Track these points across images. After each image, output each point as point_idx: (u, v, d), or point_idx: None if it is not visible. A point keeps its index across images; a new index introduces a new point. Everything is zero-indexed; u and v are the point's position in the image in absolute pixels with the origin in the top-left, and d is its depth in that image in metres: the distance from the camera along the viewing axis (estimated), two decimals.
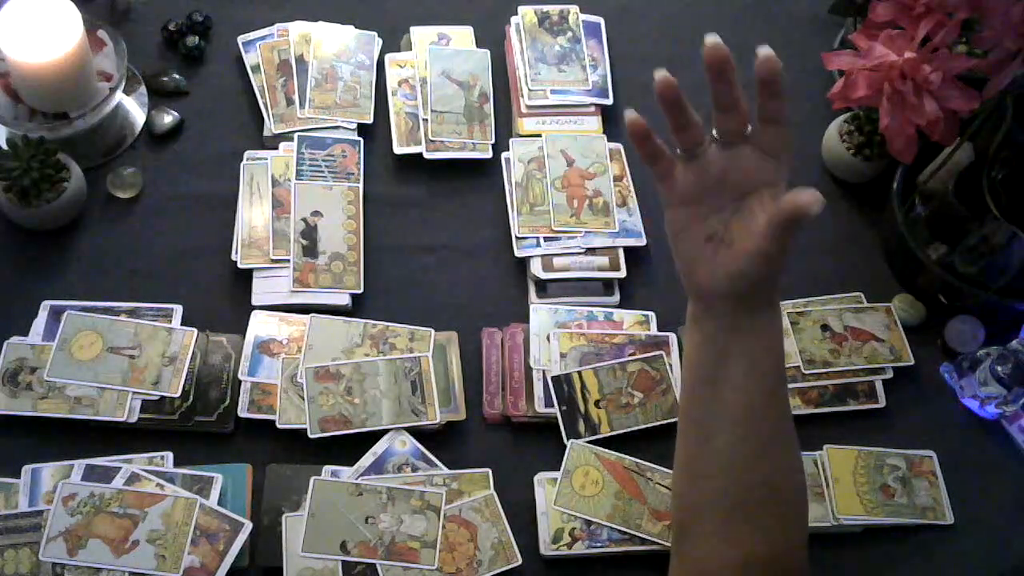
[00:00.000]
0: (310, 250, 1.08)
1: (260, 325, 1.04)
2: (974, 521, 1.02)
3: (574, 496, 0.98)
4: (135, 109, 1.17)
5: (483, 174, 1.17)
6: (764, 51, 0.69)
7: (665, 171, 0.76)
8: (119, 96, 1.12)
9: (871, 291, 1.13)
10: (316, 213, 1.10)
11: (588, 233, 1.12)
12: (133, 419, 0.99)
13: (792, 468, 0.81)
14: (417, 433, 1.01)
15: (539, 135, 1.17)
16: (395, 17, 1.24)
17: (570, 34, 1.23)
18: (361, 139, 1.16)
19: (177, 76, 1.19)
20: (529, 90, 1.19)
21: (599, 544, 0.97)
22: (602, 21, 1.25)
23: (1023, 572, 1.02)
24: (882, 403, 1.07)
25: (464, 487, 0.98)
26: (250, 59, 1.19)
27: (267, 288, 1.07)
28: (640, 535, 0.97)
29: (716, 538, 0.79)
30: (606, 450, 1.01)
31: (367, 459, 0.99)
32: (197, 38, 1.20)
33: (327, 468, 0.98)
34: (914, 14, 0.96)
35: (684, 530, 0.83)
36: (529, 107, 1.19)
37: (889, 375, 1.08)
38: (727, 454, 0.78)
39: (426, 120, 1.17)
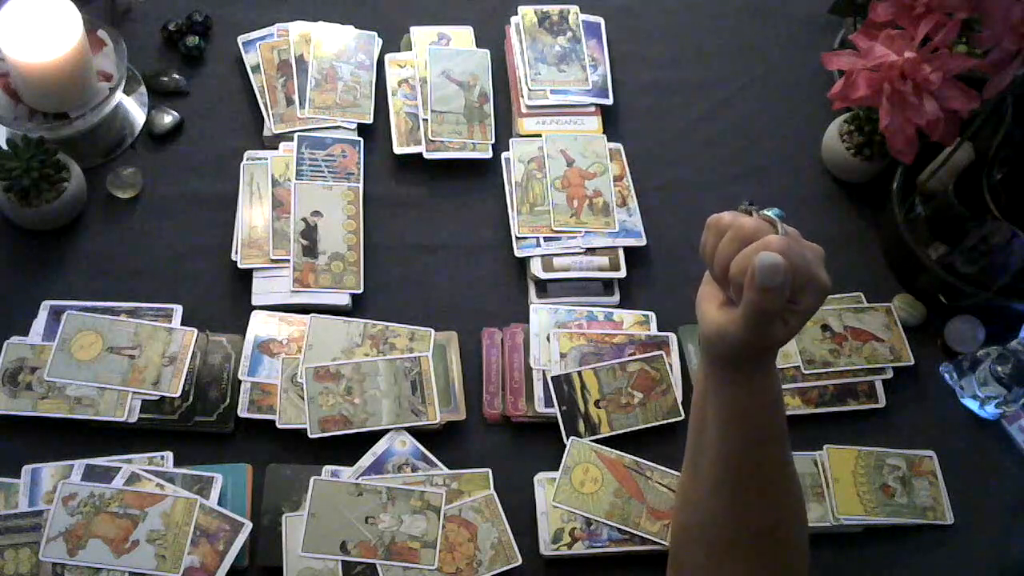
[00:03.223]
0: (310, 250, 1.08)
1: (260, 325, 1.04)
2: (974, 521, 1.02)
3: (573, 493, 0.98)
4: (135, 109, 1.17)
5: (483, 174, 1.17)
6: None
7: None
8: (119, 96, 1.12)
9: (871, 291, 1.13)
10: (316, 213, 1.10)
11: (588, 233, 1.12)
12: (133, 419, 0.99)
13: (780, 515, 0.79)
14: (417, 433, 1.01)
15: (539, 135, 1.17)
16: (395, 17, 1.24)
17: (570, 34, 1.23)
18: (361, 139, 1.16)
19: (177, 76, 1.19)
20: (529, 90, 1.19)
21: (599, 544, 0.97)
22: (602, 21, 1.25)
23: (1023, 572, 1.02)
24: (882, 403, 1.07)
25: (464, 487, 0.98)
26: (250, 59, 1.19)
27: (267, 288, 1.07)
28: (639, 534, 0.97)
29: (704, 565, 0.80)
30: (606, 448, 1.01)
31: (367, 459, 0.99)
32: (197, 38, 1.20)
33: (327, 468, 0.98)
34: (914, 14, 0.96)
35: (677, 548, 0.85)
36: (529, 107, 1.19)
37: (889, 375, 1.08)
38: (707, 489, 0.79)
39: (426, 120, 1.17)
